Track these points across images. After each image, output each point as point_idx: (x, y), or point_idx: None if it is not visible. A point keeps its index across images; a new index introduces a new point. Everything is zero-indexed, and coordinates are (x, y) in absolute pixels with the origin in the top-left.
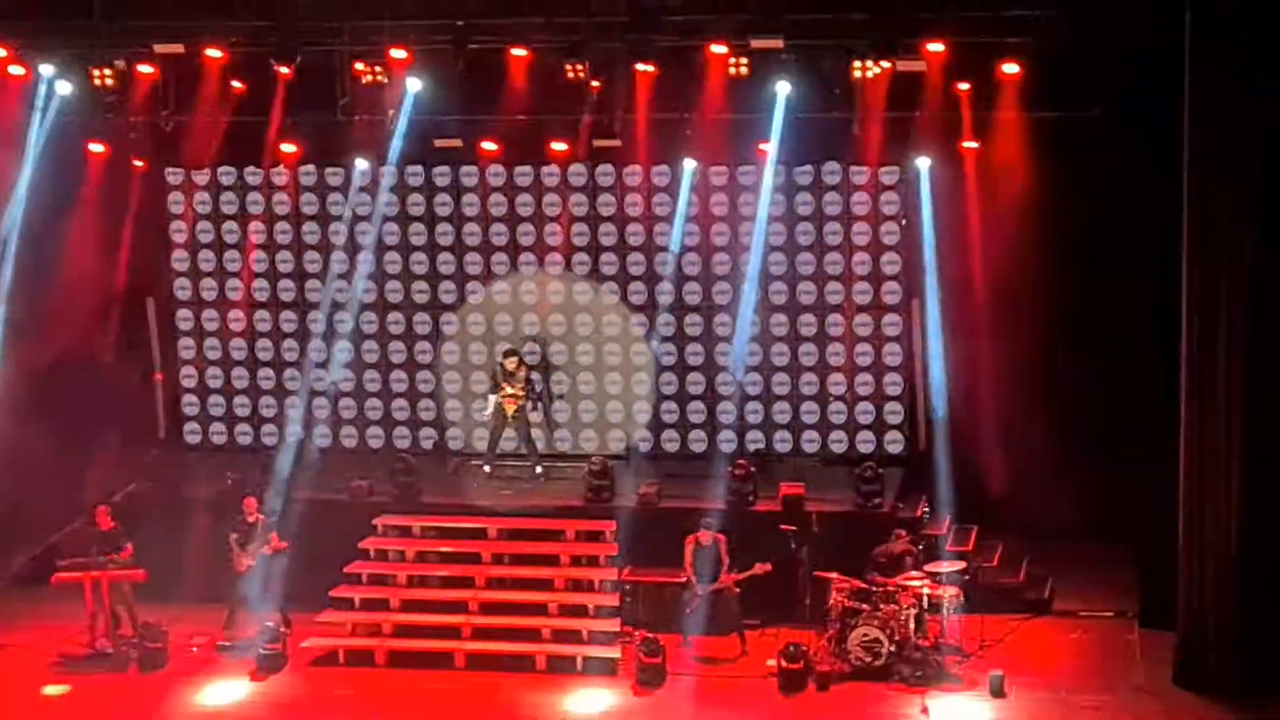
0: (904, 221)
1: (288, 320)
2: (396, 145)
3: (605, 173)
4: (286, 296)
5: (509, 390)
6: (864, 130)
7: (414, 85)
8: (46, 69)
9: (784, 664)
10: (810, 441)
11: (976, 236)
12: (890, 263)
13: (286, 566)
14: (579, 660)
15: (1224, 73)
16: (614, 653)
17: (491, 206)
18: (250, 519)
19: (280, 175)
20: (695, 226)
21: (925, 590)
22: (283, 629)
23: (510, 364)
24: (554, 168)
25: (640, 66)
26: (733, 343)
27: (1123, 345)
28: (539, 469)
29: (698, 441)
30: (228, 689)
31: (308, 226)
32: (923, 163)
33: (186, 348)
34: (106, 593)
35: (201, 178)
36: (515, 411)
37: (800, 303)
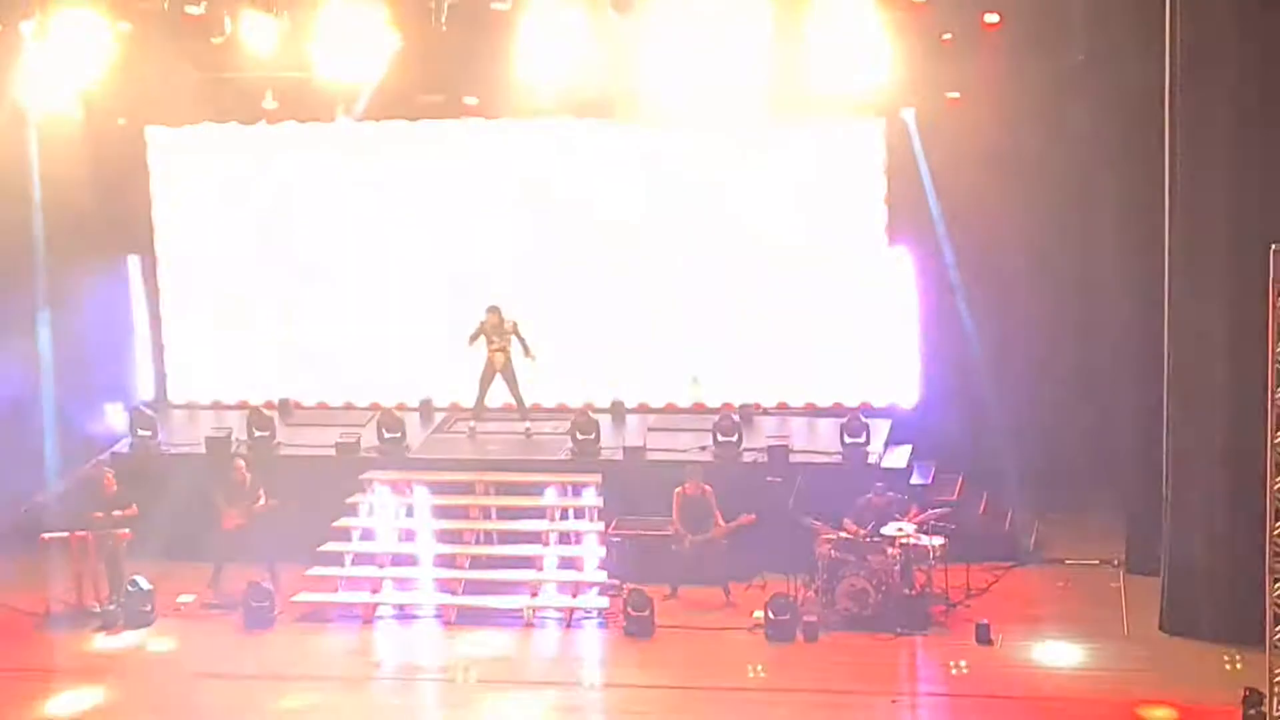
0: (889, 173)
1: (272, 277)
2: (376, 101)
3: (591, 127)
4: (270, 254)
5: (494, 345)
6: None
7: (394, 40)
8: (26, 26)
9: (771, 615)
10: (797, 392)
11: (962, 186)
12: (876, 214)
13: (274, 523)
14: (567, 613)
15: (1207, 20)
16: (602, 605)
17: (474, 161)
18: (238, 477)
19: (262, 132)
20: (682, 179)
21: (911, 540)
22: (269, 586)
23: (494, 319)
24: (537, 122)
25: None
26: None
27: (1108, 292)
28: (526, 423)
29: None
30: (215, 646)
31: (290, 183)
32: (908, 113)
33: (169, 305)
34: (94, 551)
35: (183, 136)
36: (502, 366)
37: (786, 253)
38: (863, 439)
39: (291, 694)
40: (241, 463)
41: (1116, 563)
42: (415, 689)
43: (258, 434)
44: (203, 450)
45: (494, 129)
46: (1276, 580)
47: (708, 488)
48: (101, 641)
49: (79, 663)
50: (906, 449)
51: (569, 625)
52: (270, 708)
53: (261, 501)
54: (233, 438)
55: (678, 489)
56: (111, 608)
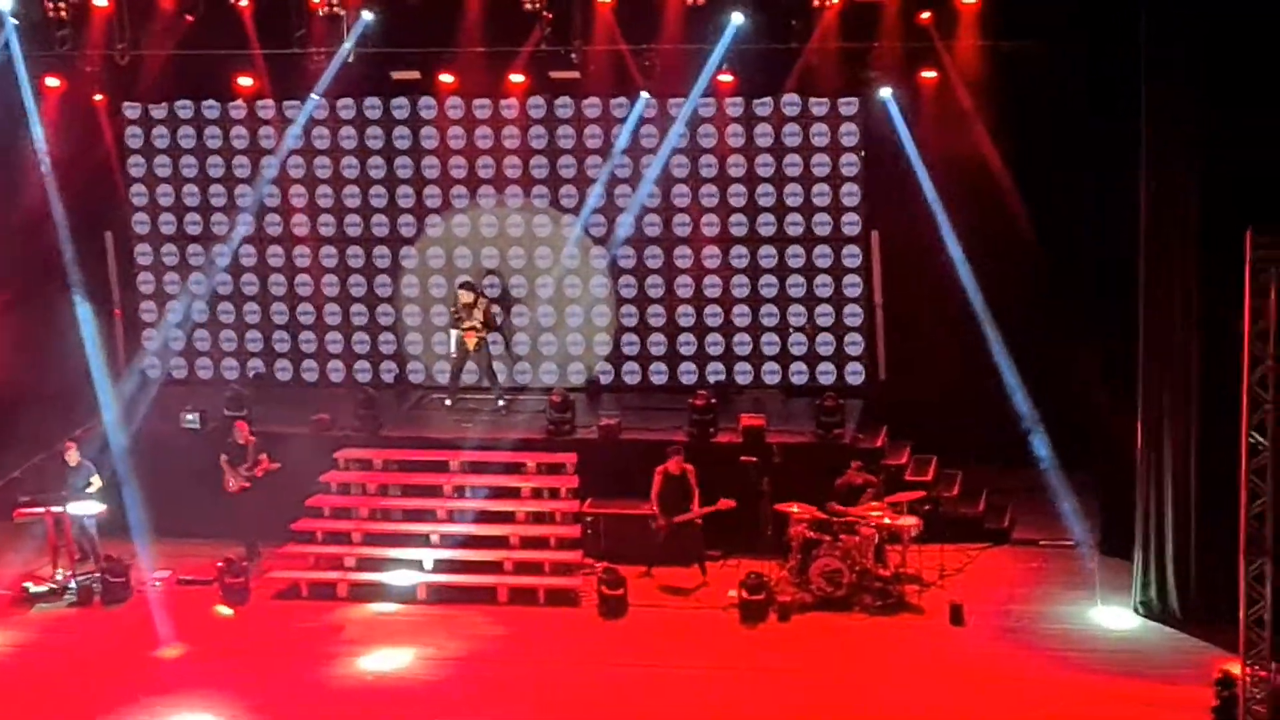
0: (863, 153)
1: (246, 254)
2: (351, 77)
3: (563, 105)
4: (245, 231)
5: (468, 324)
6: (823, 61)
7: (368, 17)
8: (2, 2)
9: (745, 595)
10: (771, 373)
11: (935, 166)
12: (849, 194)
13: (250, 500)
14: (541, 592)
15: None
16: (575, 584)
17: (450, 139)
18: (241, 441)
19: (238, 109)
20: (653, 159)
21: (885, 521)
22: (246, 562)
23: (466, 298)
24: (512, 100)
25: None
26: None
27: (1082, 275)
28: (501, 402)
29: (658, 374)
30: (190, 622)
31: (265, 160)
32: (886, 92)
33: (145, 282)
34: (68, 527)
35: (159, 112)
36: (476, 345)
37: (760, 234)
38: (837, 419)
39: (261, 669)
40: (244, 424)
41: (1091, 544)
42: (387, 667)
43: (231, 411)
44: (177, 427)
45: (469, 106)
46: (1251, 562)
47: (689, 467)
48: (77, 617)
49: (56, 639)
50: (881, 429)
51: (542, 604)
52: (237, 682)
53: (262, 465)
54: (201, 420)
55: (660, 466)
56: (86, 584)
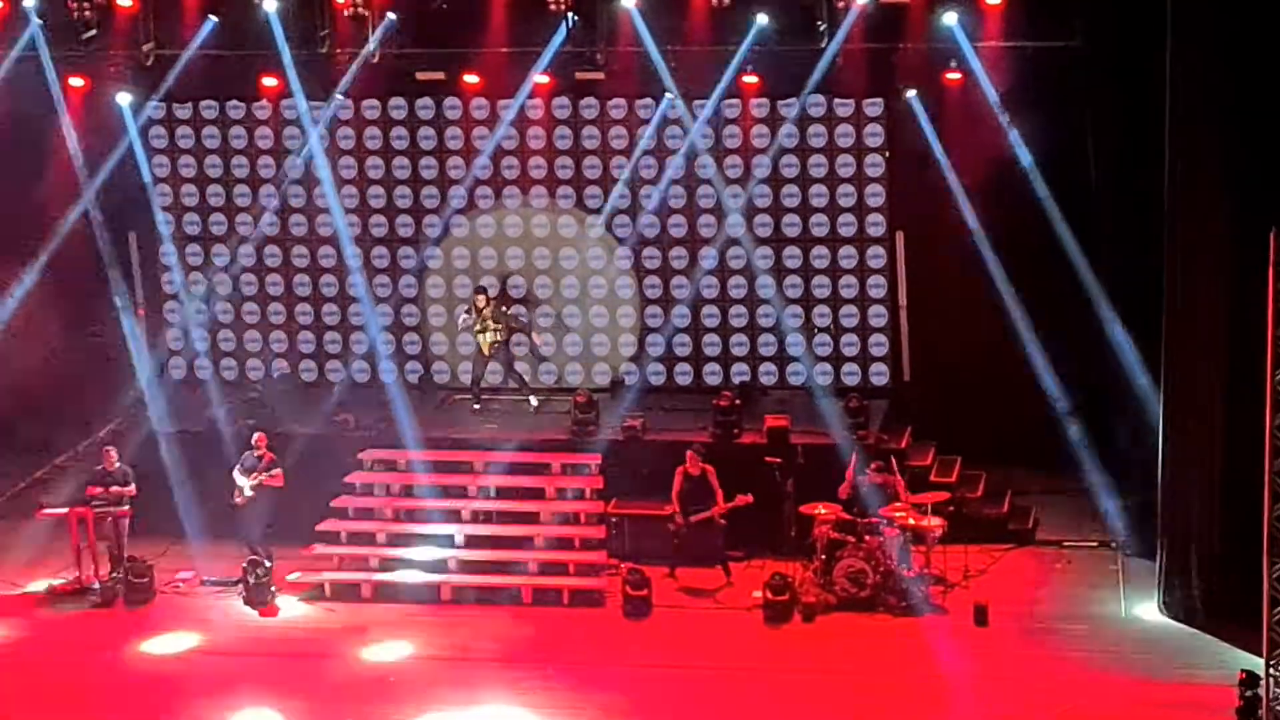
0: (887, 154)
1: (271, 255)
2: (376, 78)
3: (589, 105)
4: (270, 231)
5: (479, 327)
6: (848, 62)
7: (392, 17)
8: (27, 1)
9: (770, 595)
10: (795, 374)
11: (959, 167)
12: (874, 195)
13: (273, 502)
14: (565, 593)
15: (1203, 3)
16: (600, 585)
17: (474, 140)
18: (258, 453)
19: (263, 109)
20: (680, 159)
21: (910, 521)
22: (265, 564)
23: (479, 301)
24: (537, 100)
25: None
26: None
27: (1107, 275)
28: (534, 400)
29: (683, 374)
30: (213, 623)
31: (291, 161)
32: (911, 93)
33: (169, 283)
34: (91, 527)
35: (183, 112)
36: (492, 347)
37: (785, 235)
38: (861, 420)
39: (284, 669)
40: (262, 436)
41: (1115, 545)
42: (411, 668)
43: (257, 411)
44: (201, 429)
45: (494, 107)
46: (1275, 563)
47: (709, 467)
48: (101, 618)
49: (79, 639)
50: (905, 430)
51: (567, 605)
52: (261, 682)
53: (267, 479)
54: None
55: (680, 466)
56: (110, 584)
